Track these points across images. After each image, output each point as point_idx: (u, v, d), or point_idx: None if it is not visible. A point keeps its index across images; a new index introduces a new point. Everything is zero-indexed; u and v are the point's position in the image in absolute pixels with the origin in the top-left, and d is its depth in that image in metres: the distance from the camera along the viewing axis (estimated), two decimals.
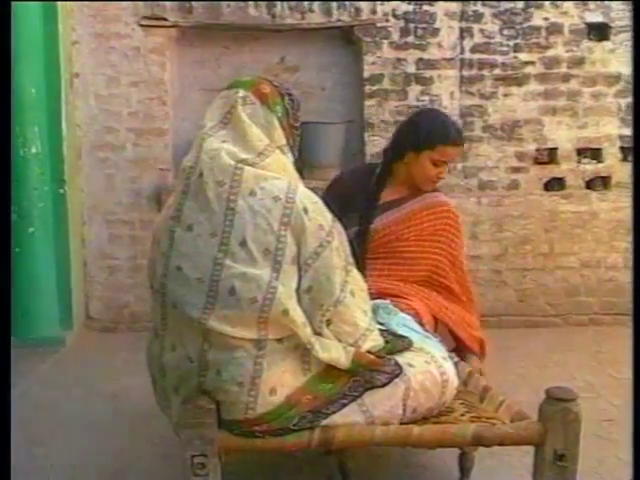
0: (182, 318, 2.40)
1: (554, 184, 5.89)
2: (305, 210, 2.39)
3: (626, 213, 5.80)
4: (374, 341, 2.54)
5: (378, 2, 5.69)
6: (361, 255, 3.44)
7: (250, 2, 5.68)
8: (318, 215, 2.44)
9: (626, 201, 5.80)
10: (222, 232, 2.36)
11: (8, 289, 3.00)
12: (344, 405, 2.44)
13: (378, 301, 3.06)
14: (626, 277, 5.81)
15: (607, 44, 5.82)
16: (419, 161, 3.46)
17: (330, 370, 2.44)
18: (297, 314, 2.37)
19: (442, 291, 3.52)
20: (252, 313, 2.34)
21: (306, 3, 5.68)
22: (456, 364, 2.91)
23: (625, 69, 5.80)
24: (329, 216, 2.49)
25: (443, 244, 3.53)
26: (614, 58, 5.81)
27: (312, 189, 4.44)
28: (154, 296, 2.52)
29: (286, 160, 2.52)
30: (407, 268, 3.48)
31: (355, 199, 3.51)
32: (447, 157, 3.47)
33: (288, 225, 2.37)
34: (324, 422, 2.43)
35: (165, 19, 5.67)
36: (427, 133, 3.43)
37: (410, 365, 2.57)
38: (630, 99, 5.83)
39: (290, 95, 2.61)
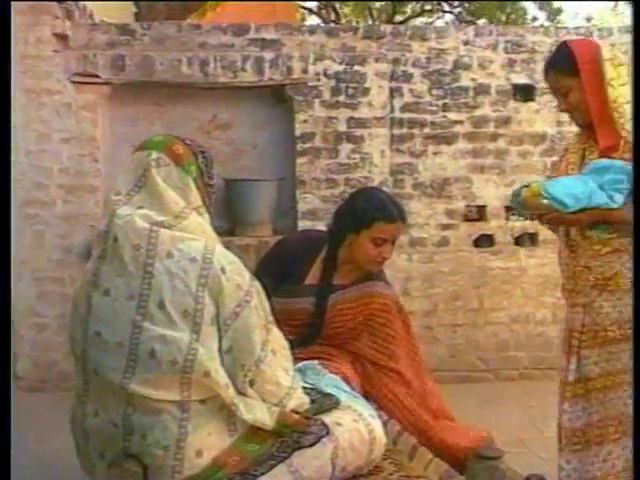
0: (104, 383, 2.36)
1: (483, 241, 5.99)
2: (222, 270, 2.38)
3: (553, 269, 5.85)
4: (298, 399, 2.53)
5: (310, 62, 5.78)
6: (318, 334, 3.43)
7: (183, 60, 5.71)
8: (236, 275, 2.42)
9: (553, 257, 5.87)
10: (140, 295, 2.33)
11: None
12: (272, 466, 2.41)
13: (307, 362, 3.06)
14: (554, 332, 5.91)
15: (532, 104, 5.99)
16: (359, 242, 3.33)
17: (257, 430, 2.42)
18: (219, 375, 2.35)
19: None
20: (174, 375, 2.31)
21: (239, 62, 5.74)
22: (385, 423, 2.92)
23: (550, 129, 5.97)
24: (247, 275, 2.47)
25: (378, 338, 3.45)
26: (539, 118, 5.98)
27: (244, 246, 4.47)
28: (75, 362, 2.48)
29: (203, 221, 2.50)
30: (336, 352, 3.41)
31: (299, 268, 3.45)
32: (387, 235, 3.32)
33: (206, 286, 2.35)
34: None
35: (97, 76, 5.66)
36: (363, 212, 3.32)
37: (338, 424, 2.57)
38: (556, 157, 5.97)
39: (203, 153, 2.57)
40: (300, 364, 2.94)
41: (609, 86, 2.93)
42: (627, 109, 2.93)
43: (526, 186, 2.98)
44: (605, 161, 2.93)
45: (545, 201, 2.87)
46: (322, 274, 3.44)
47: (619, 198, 2.86)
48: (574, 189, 2.87)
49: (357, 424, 2.62)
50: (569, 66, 3.00)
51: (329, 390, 2.78)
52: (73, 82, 5.65)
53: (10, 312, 3.17)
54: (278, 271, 3.40)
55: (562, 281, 3.27)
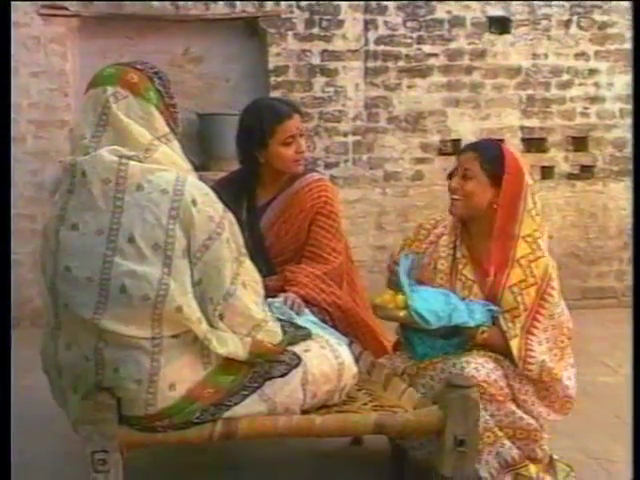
0: (75, 318, 2.34)
1: None
2: (194, 202, 2.34)
3: None
4: (270, 331, 2.52)
5: None
6: (264, 259, 3.38)
7: None
8: (207, 206, 2.38)
9: None
10: (109, 229, 2.30)
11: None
12: (245, 396, 2.43)
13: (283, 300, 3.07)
14: None
15: (508, 37, 5.95)
16: (272, 153, 3.34)
17: (230, 362, 2.42)
18: (192, 310, 2.33)
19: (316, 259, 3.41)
20: (145, 311, 2.29)
21: None
22: (359, 354, 2.96)
23: (525, 62, 5.94)
24: (220, 207, 2.43)
25: (322, 215, 3.42)
26: (514, 51, 5.95)
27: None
28: (46, 295, 2.44)
29: (173, 152, 2.45)
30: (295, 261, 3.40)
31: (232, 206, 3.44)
32: (292, 131, 3.35)
33: (177, 218, 2.31)
34: (226, 414, 2.42)
35: (66, 8, 5.56)
36: (260, 126, 3.34)
37: (306, 350, 2.60)
38: (531, 91, 5.98)
39: (157, 74, 2.50)
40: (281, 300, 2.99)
41: (527, 214, 2.96)
42: (541, 243, 2.95)
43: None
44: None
45: (402, 314, 2.85)
46: (247, 203, 3.45)
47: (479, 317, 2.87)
48: (435, 305, 2.84)
49: (324, 350, 2.65)
50: (492, 164, 3.01)
51: (300, 321, 2.80)
52: (41, 14, 5.54)
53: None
54: None
55: None
